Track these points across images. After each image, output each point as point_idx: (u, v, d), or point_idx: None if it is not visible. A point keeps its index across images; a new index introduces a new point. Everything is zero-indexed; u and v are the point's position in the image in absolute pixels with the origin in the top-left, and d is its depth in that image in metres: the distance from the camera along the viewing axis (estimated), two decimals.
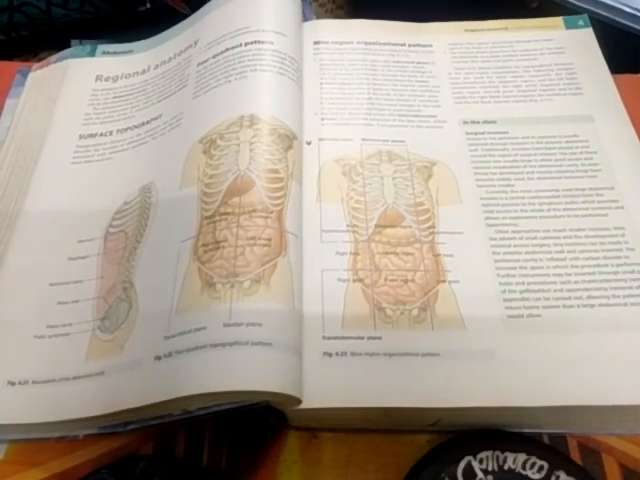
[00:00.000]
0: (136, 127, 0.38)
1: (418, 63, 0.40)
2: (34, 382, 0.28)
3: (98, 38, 0.44)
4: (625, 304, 0.29)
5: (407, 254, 0.31)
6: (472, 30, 0.42)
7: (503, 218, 0.32)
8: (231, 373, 0.24)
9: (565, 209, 0.33)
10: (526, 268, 0.30)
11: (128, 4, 0.63)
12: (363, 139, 0.36)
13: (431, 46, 0.41)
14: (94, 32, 0.61)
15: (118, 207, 0.34)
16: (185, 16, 0.42)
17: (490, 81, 0.39)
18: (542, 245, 0.31)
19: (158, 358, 0.26)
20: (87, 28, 0.63)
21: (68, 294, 0.31)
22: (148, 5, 0.64)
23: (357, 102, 0.38)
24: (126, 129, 0.38)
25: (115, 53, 0.43)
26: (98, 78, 0.41)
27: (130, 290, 0.30)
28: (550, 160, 0.35)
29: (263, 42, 0.36)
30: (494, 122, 0.37)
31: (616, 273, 0.30)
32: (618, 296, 0.29)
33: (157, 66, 0.41)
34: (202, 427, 0.29)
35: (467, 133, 0.36)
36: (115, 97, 0.40)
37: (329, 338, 0.28)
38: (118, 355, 0.28)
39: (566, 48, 0.40)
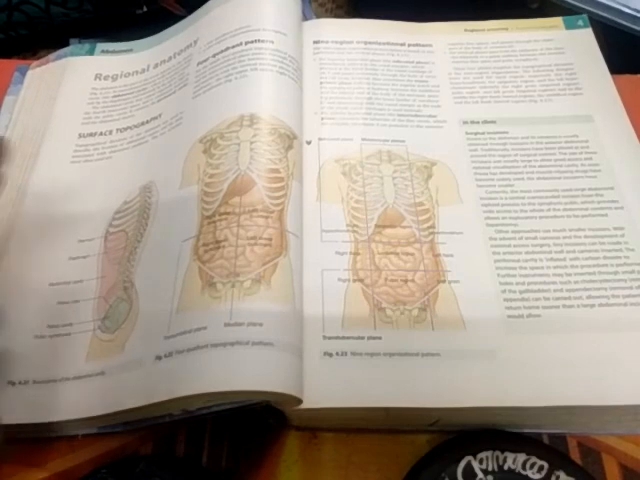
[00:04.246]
0: (136, 126, 0.38)
1: (418, 63, 0.40)
2: (34, 382, 0.28)
3: (97, 38, 0.44)
4: (625, 304, 0.29)
5: (407, 254, 0.31)
6: (472, 30, 0.42)
7: (503, 218, 0.32)
8: (232, 373, 0.24)
9: (565, 209, 0.33)
10: (526, 268, 0.31)
11: (124, 6, 0.63)
12: (363, 139, 0.36)
13: (431, 46, 0.41)
14: (93, 32, 0.61)
15: (118, 207, 0.33)
16: (182, 18, 0.42)
17: (490, 81, 0.39)
18: (542, 245, 0.31)
19: (159, 358, 0.26)
20: (86, 28, 0.63)
21: (68, 294, 0.31)
22: (145, 8, 0.64)
23: (357, 102, 0.38)
24: (126, 128, 0.38)
25: (114, 52, 0.43)
26: (97, 77, 0.41)
27: (130, 290, 0.29)
28: (550, 160, 0.35)
29: (263, 41, 0.36)
30: (494, 122, 0.37)
31: (616, 273, 0.30)
32: (618, 296, 0.29)
33: (157, 65, 0.41)
34: (202, 427, 0.29)
35: (467, 133, 0.36)
36: (115, 96, 0.40)
37: (329, 338, 0.28)
38: (119, 355, 0.28)
39: (566, 48, 0.40)
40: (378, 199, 0.33)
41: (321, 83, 0.38)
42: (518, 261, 0.31)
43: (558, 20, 0.42)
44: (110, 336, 0.28)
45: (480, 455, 0.27)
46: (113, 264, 0.31)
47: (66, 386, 0.27)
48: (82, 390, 0.27)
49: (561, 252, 0.31)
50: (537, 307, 0.29)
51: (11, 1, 0.59)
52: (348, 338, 0.28)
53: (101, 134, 0.38)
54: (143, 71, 0.41)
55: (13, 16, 0.60)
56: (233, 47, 0.36)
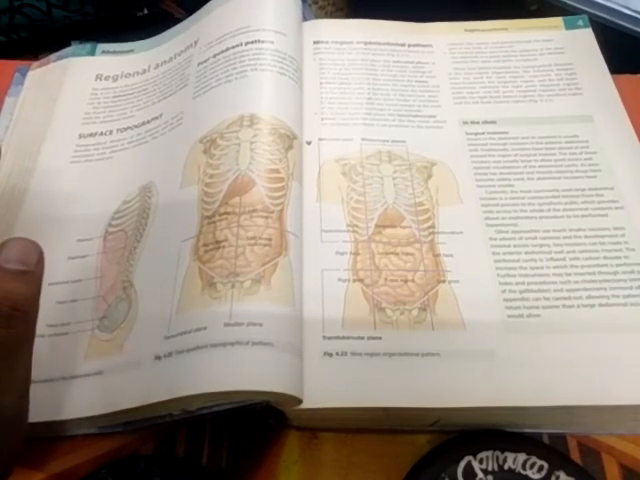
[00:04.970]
0: (136, 126, 0.38)
1: (418, 63, 0.40)
2: (33, 382, 0.27)
3: (98, 40, 0.44)
4: (625, 304, 0.29)
5: (407, 254, 0.31)
6: (472, 30, 0.42)
7: (503, 218, 0.32)
8: (232, 373, 0.24)
9: (565, 209, 0.33)
10: (526, 268, 0.30)
11: (125, 9, 0.64)
12: (363, 139, 0.36)
13: (431, 46, 0.41)
14: (94, 35, 0.61)
15: (118, 206, 0.33)
16: (183, 20, 0.42)
17: (490, 81, 0.39)
18: (542, 245, 0.31)
19: (158, 358, 0.26)
20: (87, 31, 0.63)
21: (67, 293, 0.31)
22: (145, 11, 0.64)
23: (357, 102, 0.38)
24: (126, 128, 0.38)
25: (115, 52, 0.43)
26: (98, 77, 0.41)
27: (130, 290, 0.29)
28: (550, 160, 0.35)
29: (263, 41, 0.36)
30: (494, 122, 0.37)
31: (616, 273, 0.30)
32: (618, 296, 0.29)
33: (157, 66, 0.41)
34: (202, 427, 0.29)
35: (467, 133, 0.36)
36: (115, 96, 0.40)
37: (329, 338, 0.28)
38: (117, 355, 0.28)
39: (566, 48, 0.40)
40: (378, 199, 0.33)
41: (321, 83, 0.38)
42: (518, 261, 0.31)
43: (558, 20, 0.42)
44: (109, 336, 0.28)
45: (480, 455, 0.27)
46: (112, 264, 0.31)
47: (64, 386, 0.27)
48: (80, 390, 0.27)
49: (561, 252, 0.31)
50: (537, 307, 0.29)
51: (13, 4, 0.59)
52: (348, 338, 0.28)
53: (101, 134, 0.38)
54: (144, 72, 0.41)
55: (15, 19, 0.60)
56: (233, 47, 0.36)
